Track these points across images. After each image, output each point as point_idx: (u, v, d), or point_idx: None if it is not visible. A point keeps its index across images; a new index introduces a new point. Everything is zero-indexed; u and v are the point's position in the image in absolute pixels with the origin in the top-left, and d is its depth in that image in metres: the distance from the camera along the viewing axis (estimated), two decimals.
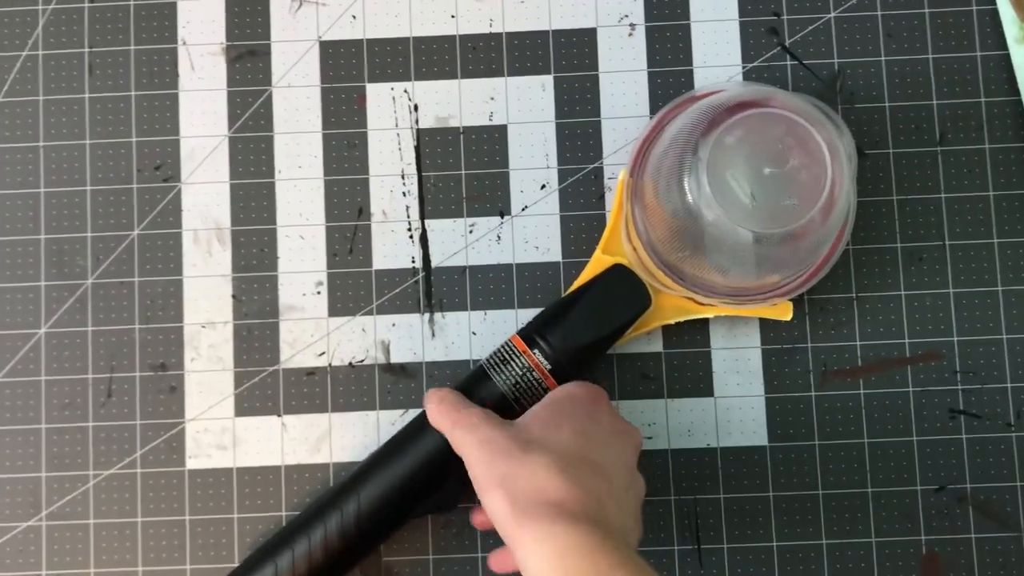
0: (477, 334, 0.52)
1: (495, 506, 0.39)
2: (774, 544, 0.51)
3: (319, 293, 0.53)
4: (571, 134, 0.53)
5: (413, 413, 0.52)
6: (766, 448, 0.51)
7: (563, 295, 0.50)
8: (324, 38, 0.54)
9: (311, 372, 0.52)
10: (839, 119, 0.48)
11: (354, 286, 0.53)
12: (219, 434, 0.52)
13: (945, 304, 0.52)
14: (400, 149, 0.53)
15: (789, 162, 0.44)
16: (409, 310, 0.52)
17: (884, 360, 0.52)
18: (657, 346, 0.52)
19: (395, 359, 0.52)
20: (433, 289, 0.53)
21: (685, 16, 0.54)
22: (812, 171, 0.43)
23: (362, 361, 0.52)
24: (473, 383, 0.48)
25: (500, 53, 0.54)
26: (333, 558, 0.46)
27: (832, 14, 0.53)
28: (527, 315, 0.51)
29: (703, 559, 0.51)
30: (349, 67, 0.54)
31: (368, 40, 0.54)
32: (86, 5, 0.54)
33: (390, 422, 0.52)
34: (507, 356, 0.47)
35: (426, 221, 0.53)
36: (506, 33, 0.54)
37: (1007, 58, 0.53)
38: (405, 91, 0.54)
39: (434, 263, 0.53)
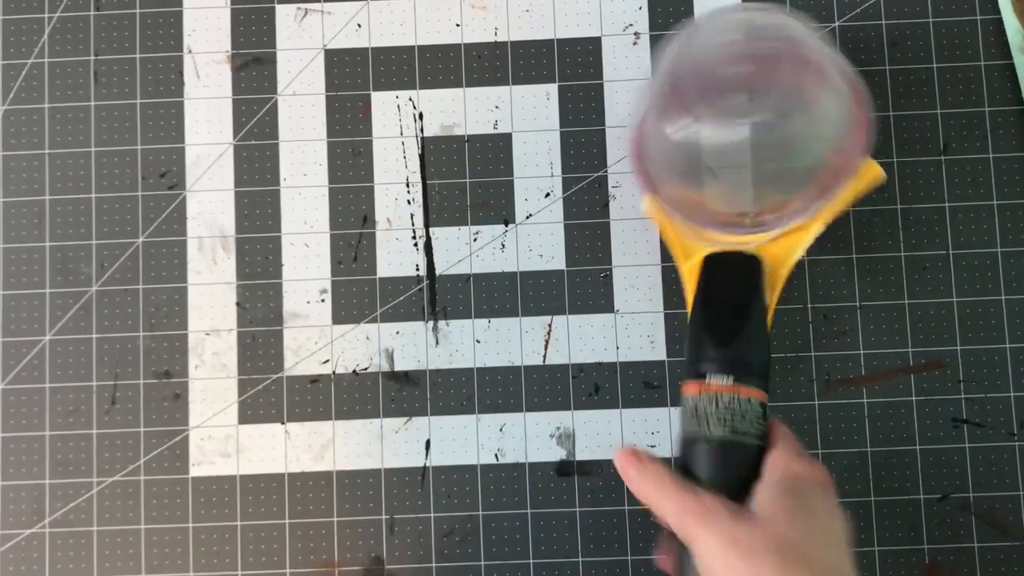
0: (481, 342, 0.52)
1: None
2: None
3: (323, 301, 0.53)
4: (575, 142, 0.53)
5: (417, 421, 0.52)
6: None
7: (689, 322, 0.45)
8: (329, 46, 0.54)
9: (315, 380, 0.52)
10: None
11: (358, 294, 0.53)
12: (223, 441, 0.52)
13: (949, 313, 0.52)
14: (405, 157, 0.53)
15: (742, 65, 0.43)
16: (413, 318, 0.53)
17: (887, 369, 0.52)
18: (660, 354, 0.52)
19: (399, 367, 0.52)
20: (437, 297, 0.53)
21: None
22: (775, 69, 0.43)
23: (366, 369, 0.52)
24: (685, 455, 0.42)
25: (505, 62, 0.54)
26: None
27: (836, 23, 0.54)
28: (531, 323, 0.52)
29: None
30: (354, 75, 0.54)
31: (373, 48, 0.54)
32: (92, 13, 0.54)
33: (393, 430, 0.52)
34: (703, 404, 0.41)
35: (430, 229, 0.53)
36: (511, 42, 0.54)
37: (1011, 67, 0.53)
38: (410, 99, 0.54)
39: (438, 271, 0.53)
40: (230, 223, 0.53)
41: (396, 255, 0.53)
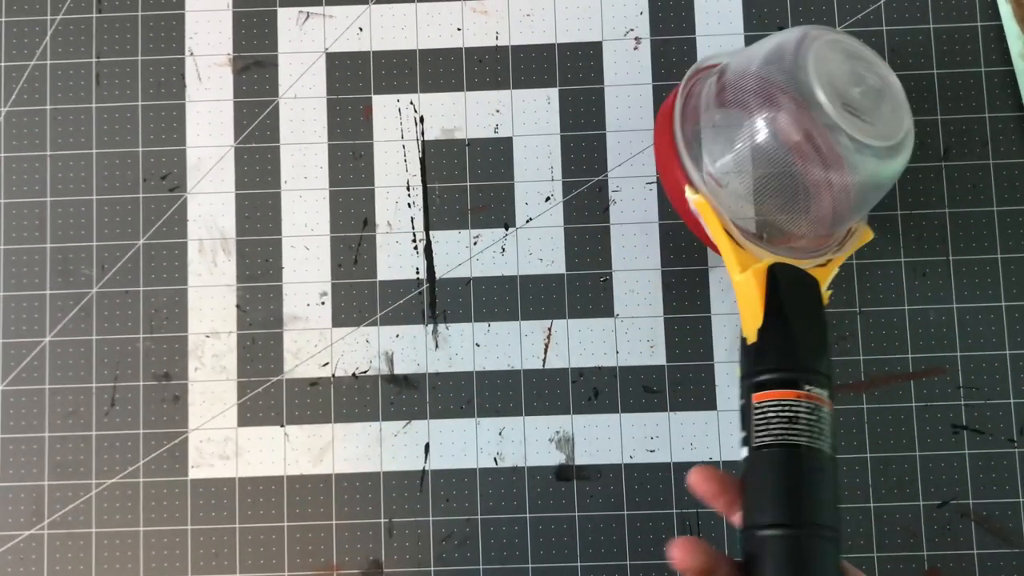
0: (481, 346, 0.52)
1: None
2: None
3: (323, 303, 0.53)
4: (576, 147, 0.53)
5: (416, 424, 0.52)
6: None
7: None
8: (331, 50, 0.54)
9: (314, 382, 0.52)
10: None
11: (358, 297, 0.53)
12: (222, 444, 0.52)
13: (949, 319, 0.52)
14: (405, 160, 0.53)
15: (866, 81, 0.44)
16: (413, 321, 0.53)
17: (887, 375, 0.52)
18: (660, 359, 0.52)
19: (399, 370, 0.52)
20: (437, 300, 0.53)
21: (691, 30, 0.54)
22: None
23: (366, 372, 0.52)
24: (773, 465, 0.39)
25: (506, 66, 0.54)
26: None
27: (837, 29, 0.54)
28: (531, 327, 0.52)
29: None
30: (355, 79, 0.54)
31: (375, 52, 0.54)
32: (94, 15, 0.54)
33: (393, 433, 0.52)
34: (776, 414, 0.39)
35: (431, 232, 0.53)
36: (512, 46, 0.54)
37: (1012, 73, 0.53)
38: (411, 103, 0.54)
39: (438, 274, 0.53)
40: (231, 225, 0.53)
41: (396, 258, 0.53)
